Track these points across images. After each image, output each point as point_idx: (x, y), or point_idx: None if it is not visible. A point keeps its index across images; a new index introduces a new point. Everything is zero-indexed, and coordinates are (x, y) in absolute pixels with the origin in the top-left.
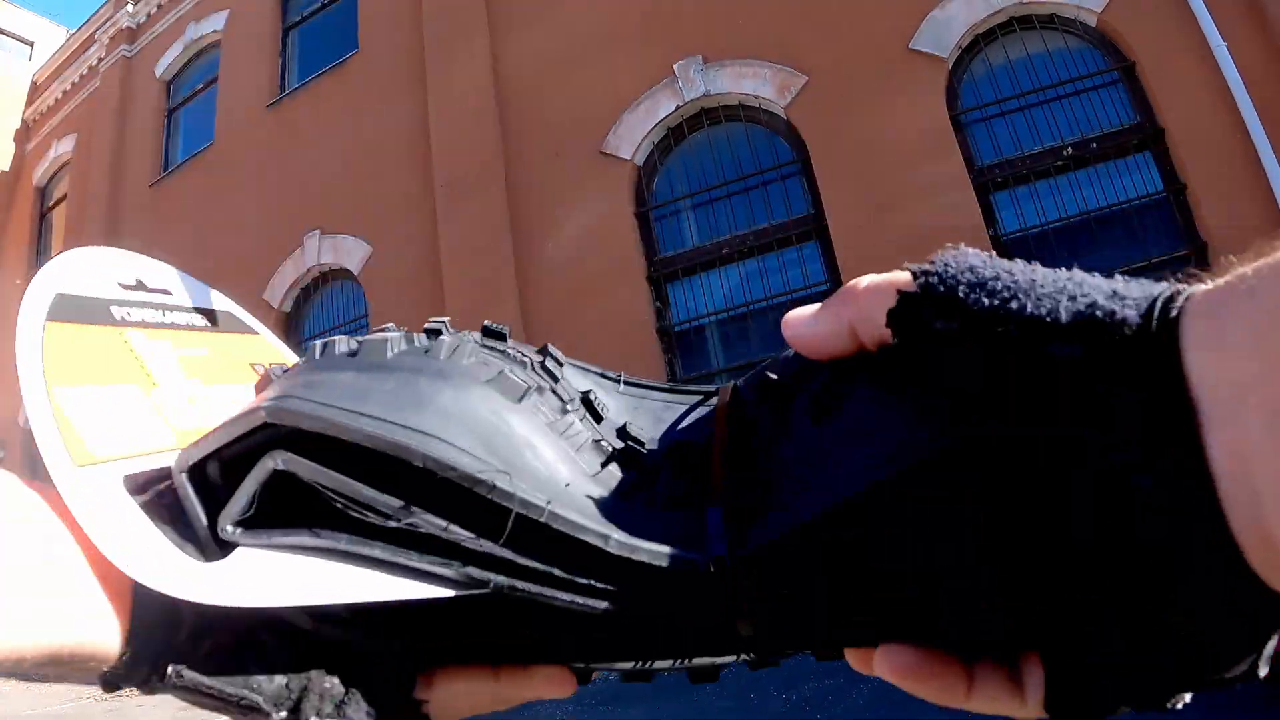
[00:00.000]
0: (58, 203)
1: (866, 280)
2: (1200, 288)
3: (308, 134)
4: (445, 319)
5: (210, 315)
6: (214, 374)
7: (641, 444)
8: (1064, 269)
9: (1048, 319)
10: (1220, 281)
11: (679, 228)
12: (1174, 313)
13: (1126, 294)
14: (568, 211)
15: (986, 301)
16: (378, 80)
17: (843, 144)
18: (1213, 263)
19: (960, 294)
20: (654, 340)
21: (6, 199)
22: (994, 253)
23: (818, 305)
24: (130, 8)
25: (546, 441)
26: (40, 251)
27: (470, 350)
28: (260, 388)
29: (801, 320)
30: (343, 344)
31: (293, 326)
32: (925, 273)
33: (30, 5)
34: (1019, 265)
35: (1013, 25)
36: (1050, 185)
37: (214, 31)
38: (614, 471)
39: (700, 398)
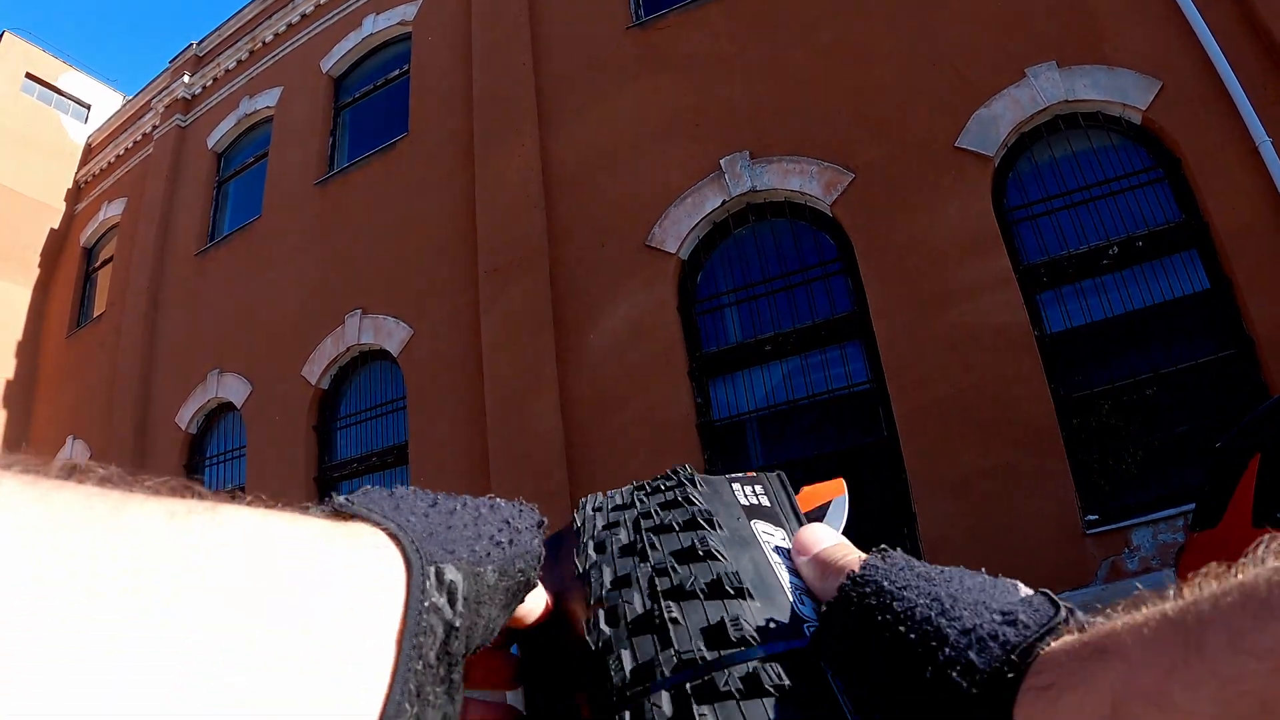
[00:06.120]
0: (104, 264)
1: (829, 558)
2: (1057, 646)
3: (354, 213)
4: None
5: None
6: None
7: None
8: (975, 578)
9: (930, 652)
10: (1075, 642)
11: (722, 323)
12: (1015, 671)
13: (999, 634)
14: (611, 303)
15: (888, 626)
16: (426, 164)
17: (888, 242)
18: (1262, 361)
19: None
20: (694, 436)
21: (54, 256)
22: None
23: (823, 545)
24: (186, 79)
25: None
26: (84, 309)
27: None
28: None
29: (808, 547)
30: None
31: (329, 404)
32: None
33: (89, 69)
34: (923, 583)
35: (1058, 124)
36: (1096, 284)
37: (267, 107)
38: None
39: None
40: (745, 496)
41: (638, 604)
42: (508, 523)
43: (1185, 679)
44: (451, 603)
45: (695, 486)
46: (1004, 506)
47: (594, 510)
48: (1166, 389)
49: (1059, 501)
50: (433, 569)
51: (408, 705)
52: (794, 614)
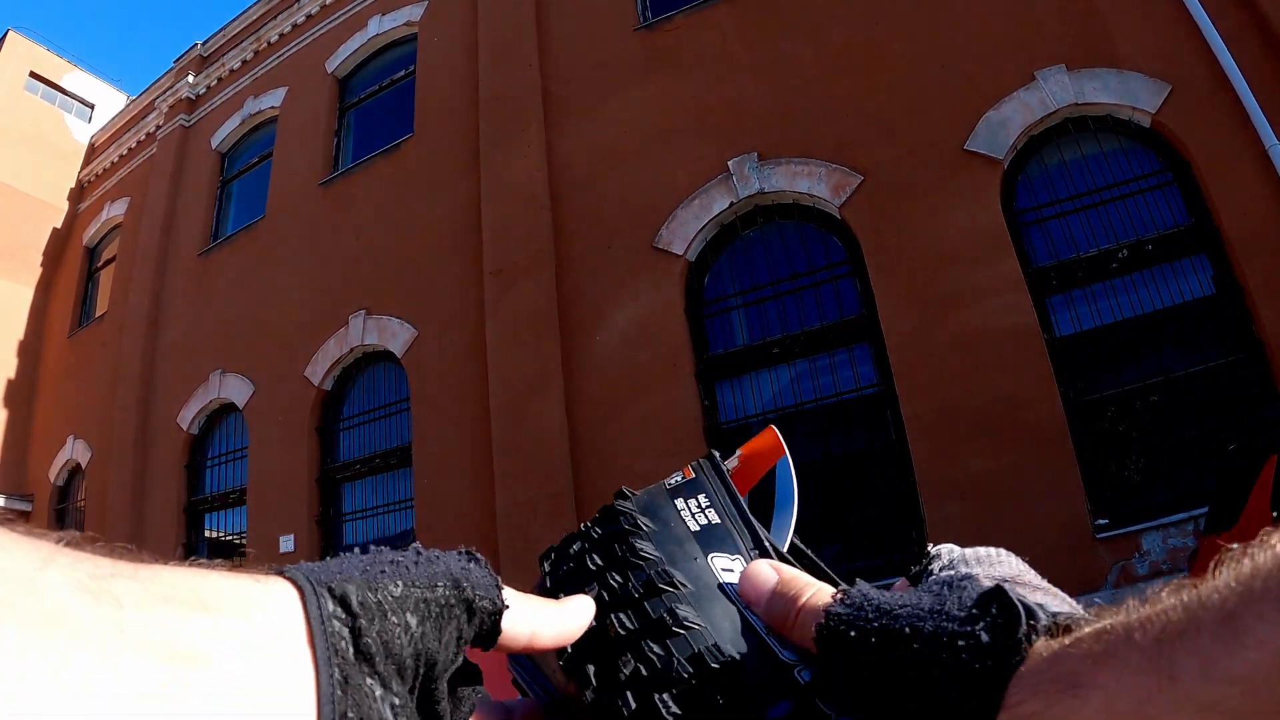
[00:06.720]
0: (106, 263)
1: (800, 599)
2: (1030, 666)
3: (359, 214)
4: None
5: None
6: None
7: None
8: (941, 593)
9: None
10: (1049, 663)
11: (729, 325)
12: (987, 701)
13: (963, 667)
14: (617, 305)
15: (875, 649)
16: (431, 164)
17: (897, 245)
18: (1272, 365)
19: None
20: (701, 439)
21: (56, 256)
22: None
23: (769, 585)
24: (191, 79)
25: None
26: (86, 309)
27: None
28: None
29: (758, 591)
30: None
31: (332, 405)
32: (833, 617)
33: (93, 69)
34: (885, 620)
35: (1068, 127)
36: (1106, 287)
37: (272, 107)
38: None
39: None
40: (694, 519)
41: (632, 702)
42: (419, 551)
43: (1163, 706)
44: (346, 608)
45: (641, 533)
46: (1013, 510)
47: (551, 577)
48: (1176, 393)
49: (1068, 505)
50: (325, 588)
51: (339, 691)
52: (779, 662)
